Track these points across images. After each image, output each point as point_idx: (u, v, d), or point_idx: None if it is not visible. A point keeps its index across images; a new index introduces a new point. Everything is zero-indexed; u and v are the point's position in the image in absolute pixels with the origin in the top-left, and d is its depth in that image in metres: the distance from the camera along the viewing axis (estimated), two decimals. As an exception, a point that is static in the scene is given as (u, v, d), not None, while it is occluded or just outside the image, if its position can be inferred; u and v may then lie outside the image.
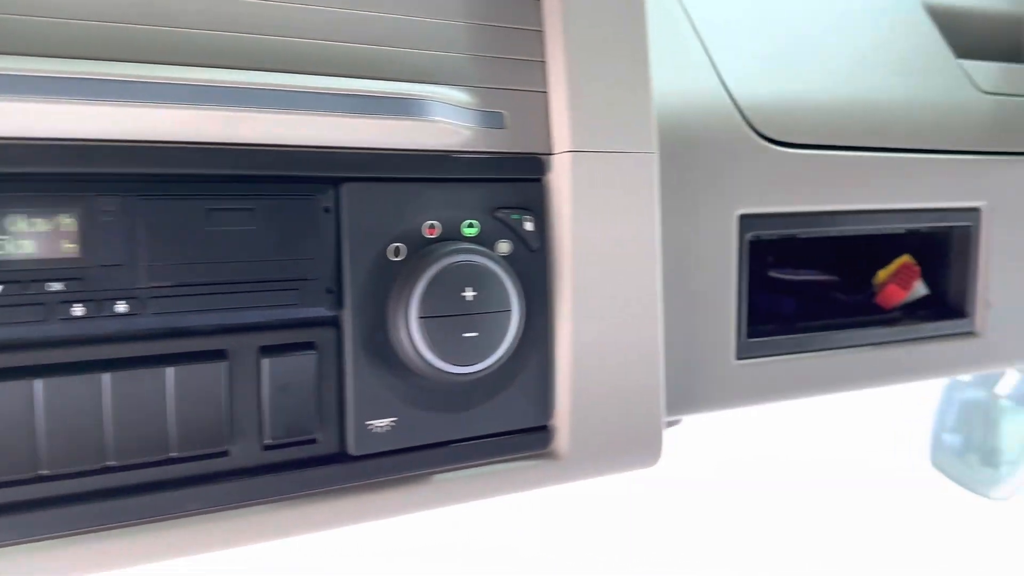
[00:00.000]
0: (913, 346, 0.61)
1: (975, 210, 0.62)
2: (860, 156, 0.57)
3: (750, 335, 0.56)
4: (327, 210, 0.40)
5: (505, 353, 0.43)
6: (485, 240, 0.43)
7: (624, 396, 0.47)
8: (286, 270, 0.39)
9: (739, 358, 0.55)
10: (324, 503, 0.41)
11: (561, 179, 0.44)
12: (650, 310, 0.47)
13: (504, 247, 0.44)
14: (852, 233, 0.60)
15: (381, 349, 0.41)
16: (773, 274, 0.64)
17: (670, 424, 0.82)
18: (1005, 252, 0.63)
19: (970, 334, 0.63)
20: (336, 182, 0.40)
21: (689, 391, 0.54)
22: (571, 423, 0.46)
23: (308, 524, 0.41)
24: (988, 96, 0.64)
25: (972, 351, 0.63)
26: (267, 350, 0.39)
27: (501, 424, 0.45)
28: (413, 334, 0.40)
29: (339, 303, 0.40)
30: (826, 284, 0.65)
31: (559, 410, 0.46)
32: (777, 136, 0.55)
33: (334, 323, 0.41)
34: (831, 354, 0.58)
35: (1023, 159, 0.63)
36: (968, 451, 1.52)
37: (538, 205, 0.45)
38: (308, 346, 0.40)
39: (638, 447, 0.49)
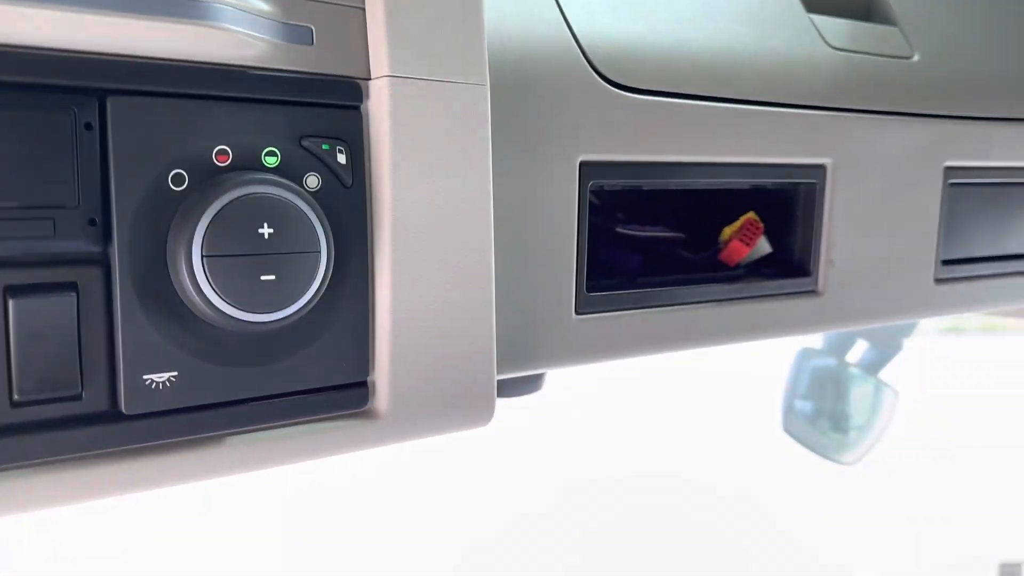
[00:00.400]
0: (756, 304, 0.60)
1: (821, 167, 0.61)
2: (707, 106, 0.55)
3: (591, 289, 0.53)
4: (88, 127, 0.34)
5: (311, 300, 0.38)
6: (289, 172, 0.38)
7: (452, 351, 0.44)
8: (38, 195, 0.33)
9: (579, 313, 0.52)
10: (94, 467, 0.36)
11: (379, 107, 0.40)
12: (481, 257, 0.43)
13: (312, 181, 0.39)
14: (697, 187, 0.58)
15: (159, 292, 0.36)
16: (620, 230, 0.62)
17: (529, 390, 0.79)
18: (848, 210, 0.63)
19: (812, 293, 0.62)
20: (101, 94, 0.34)
21: (525, 346, 0.51)
22: (392, 379, 0.42)
23: (75, 491, 0.35)
24: (836, 52, 0.63)
25: (814, 310, 0.63)
26: (15, 290, 0.33)
27: (310, 380, 0.40)
28: (197, 275, 0.35)
29: (105, 237, 0.35)
30: (672, 241, 0.63)
31: (379, 365, 0.42)
32: (622, 80, 0.52)
33: (101, 261, 0.35)
34: (673, 310, 0.56)
35: (869, 117, 0.63)
36: (819, 417, 1.57)
37: (354, 136, 0.40)
38: (68, 287, 0.34)
39: (468, 405, 0.45)
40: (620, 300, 0.54)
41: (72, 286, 0.34)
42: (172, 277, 0.36)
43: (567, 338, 0.52)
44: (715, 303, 0.58)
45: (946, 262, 0.69)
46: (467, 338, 0.44)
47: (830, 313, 0.63)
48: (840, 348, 1.55)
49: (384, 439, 0.43)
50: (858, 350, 1.57)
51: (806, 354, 1.57)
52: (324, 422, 0.41)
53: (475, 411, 0.45)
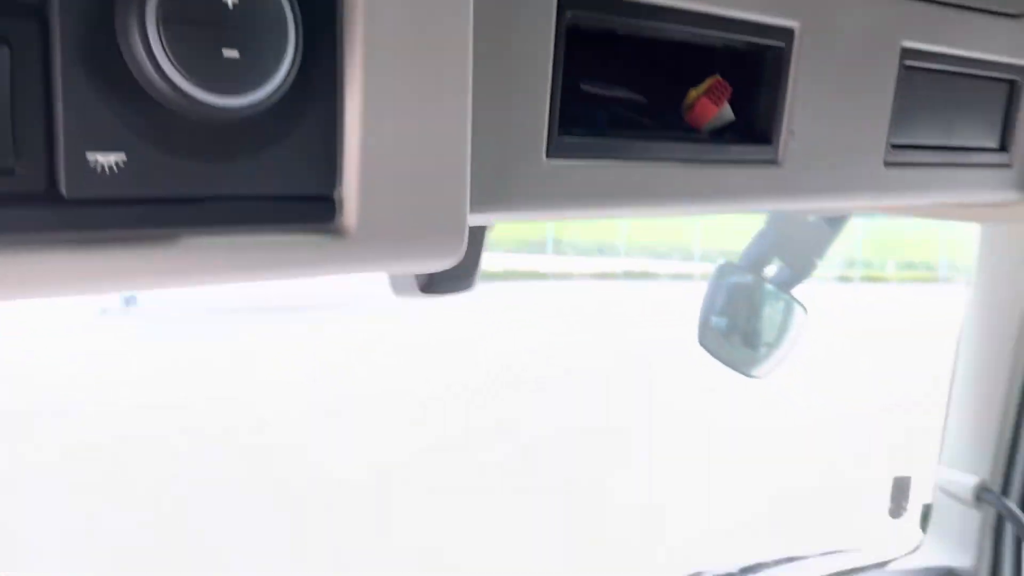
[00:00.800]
0: (719, 168, 0.59)
1: (789, 30, 0.59)
2: None
3: (562, 134, 0.50)
4: None
5: (278, 89, 0.34)
6: None
7: (425, 171, 0.40)
8: None
9: (550, 156, 0.50)
10: (29, 255, 0.31)
11: None
12: (458, 63, 0.40)
13: None
14: (671, 37, 0.56)
15: (107, 59, 0.31)
16: (585, 88, 0.59)
17: (461, 287, 0.76)
18: (811, 80, 0.61)
19: (772, 162, 0.61)
20: None
21: (495, 186, 0.48)
22: (361, 197, 0.38)
23: (7, 281, 0.31)
24: None
25: (773, 180, 0.62)
26: None
27: (273, 186, 0.36)
28: (151, 41, 0.30)
29: None
30: (636, 104, 0.61)
31: (347, 180, 0.38)
32: None
33: (38, 14, 0.30)
34: (642, 165, 0.54)
35: None
36: (732, 333, 1.60)
37: None
38: None
39: (439, 235, 0.42)
40: (591, 147, 0.52)
41: (3, 40, 0.29)
42: (121, 43, 0.31)
43: (537, 182, 0.49)
44: (681, 163, 0.56)
45: (895, 146, 0.69)
46: (440, 158, 0.40)
47: (788, 185, 0.62)
48: (757, 265, 1.57)
49: (351, 260, 0.39)
50: (772, 269, 1.60)
51: (724, 270, 1.59)
52: (288, 235, 0.37)
53: (445, 243, 0.42)
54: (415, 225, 0.41)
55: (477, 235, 0.75)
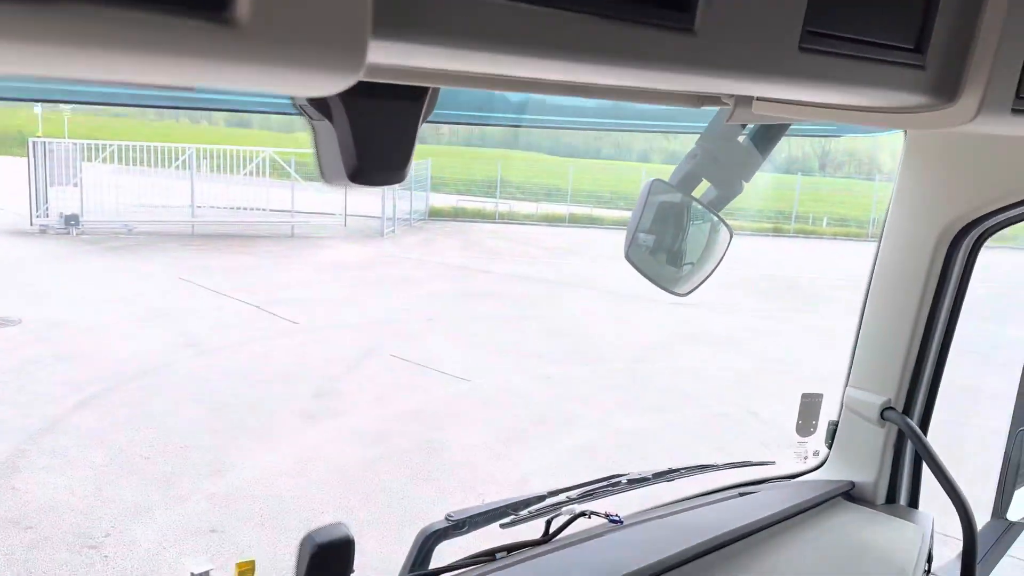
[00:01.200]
0: (635, 29, 0.59)
1: None
2: None
3: None
4: None
5: None
6: None
7: None
8: None
9: None
10: None
11: None
12: None
13: None
14: None
15: None
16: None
17: (392, 180, 0.75)
18: None
19: (689, 31, 0.62)
20: None
21: (401, 13, 0.47)
22: None
23: None
24: None
25: (688, 50, 0.62)
26: None
27: None
28: None
29: None
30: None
31: None
32: None
33: None
34: (556, 12, 0.54)
35: None
36: (658, 251, 1.63)
37: None
38: None
39: (337, 48, 0.42)
40: None
41: None
42: None
43: (445, 13, 0.49)
44: (599, 17, 0.56)
45: (811, 32, 0.71)
46: None
47: (703, 57, 0.63)
48: (686, 184, 1.60)
49: (242, 56, 0.39)
50: (701, 189, 1.63)
51: (654, 188, 1.61)
52: (180, 17, 0.37)
53: (343, 56, 0.42)
54: (312, 30, 0.40)
55: (409, 129, 0.74)
